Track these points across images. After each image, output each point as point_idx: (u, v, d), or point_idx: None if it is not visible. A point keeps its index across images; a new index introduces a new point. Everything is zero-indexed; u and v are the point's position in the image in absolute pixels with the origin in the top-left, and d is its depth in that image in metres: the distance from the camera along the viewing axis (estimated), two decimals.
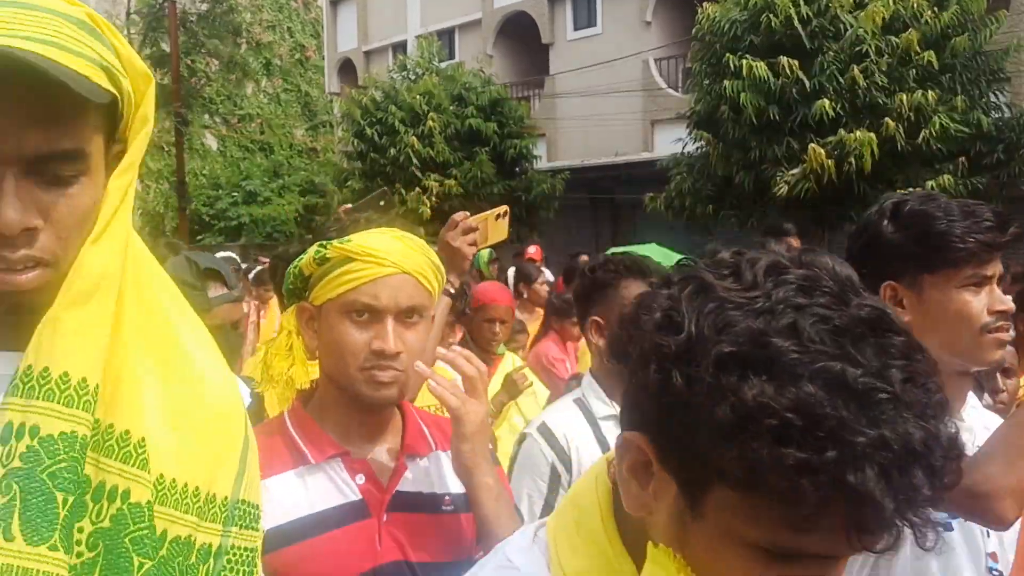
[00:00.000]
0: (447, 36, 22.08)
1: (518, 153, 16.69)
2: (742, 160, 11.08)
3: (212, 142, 33.47)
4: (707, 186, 11.89)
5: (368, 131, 16.35)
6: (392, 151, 15.91)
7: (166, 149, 31.45)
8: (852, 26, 10.29)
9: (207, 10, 27.68)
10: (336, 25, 26.13)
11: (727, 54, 10.71)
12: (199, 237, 29.05)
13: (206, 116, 32.56)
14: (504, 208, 2.41)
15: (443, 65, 18.24)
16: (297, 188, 30.35)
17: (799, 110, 10.39)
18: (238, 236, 29.16)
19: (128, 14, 27.60)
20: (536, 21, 19.67)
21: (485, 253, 7.72)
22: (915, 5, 10.38)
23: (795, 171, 10.42)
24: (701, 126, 11.79)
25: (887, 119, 10.09)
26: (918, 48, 10.19)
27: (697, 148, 12.04)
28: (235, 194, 30.24)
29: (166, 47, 25.44)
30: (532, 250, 14.72)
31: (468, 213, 2.27)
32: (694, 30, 11.86)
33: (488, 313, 4.02)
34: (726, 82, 10.63)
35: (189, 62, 28.91)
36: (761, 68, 10.25)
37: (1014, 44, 11.24)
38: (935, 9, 10.54)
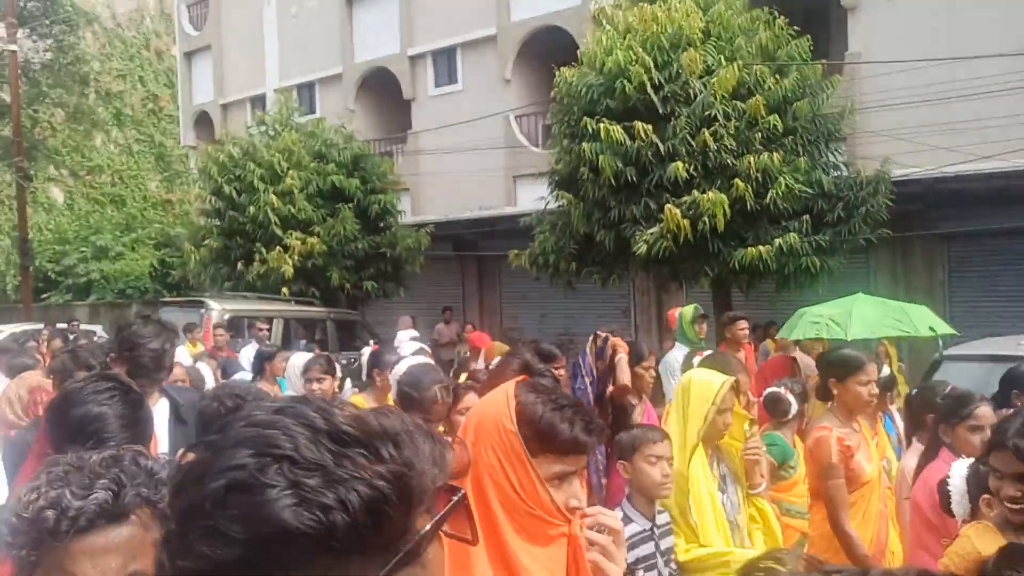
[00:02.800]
0: (307, 90, 21.80)
1: (382, 208, 16.55)
2: (602, 219, 11.31)
3: (58, 195, 31.74)
4: (570, 243, 12.07)
5: (226, 188, 15.85)
6: (251, 209, 15.46)
7: (7, 203, 29.66)
8: (702, 92, 10.73)
9: (51, 59, 26.44)
10: (191, 76, 25.39)
11: (584, 117, 10.97)
12: (44, 296, 27.38)
13: (51, 168, 30.90)
14: None
15: (303, 120, 17.96)
16: (152, 241, 29.12)
17: (655, 171, 10.72)
18: (87, 294, 27.65)
19: None
20: (397, 77, 19.69)
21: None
22: (759, 72, 10.93)
23: (653, 230, 10.71)
24: (562, 186, 12.00)
25: (737, 180, 10.52)
26: (764, 113, 10.72)
27: (559, 206, 12.23)
28: (84, 249, 28.72)
29: (6, 96, 24.12)
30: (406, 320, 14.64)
31: None
32: (552, 92, 12.12)
33: None
34: (585, 144, 10.86)
35: (32, 112, 27.47)
36: (617, 131, 10.53)
37: (848, 107, 11.99)
38: (776, 76, 11.13)
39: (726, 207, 10.35)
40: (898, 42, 12.87)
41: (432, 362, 4.08)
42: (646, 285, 15.61)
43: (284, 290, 15.06)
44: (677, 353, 7.40)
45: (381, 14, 19.96)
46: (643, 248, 10.73)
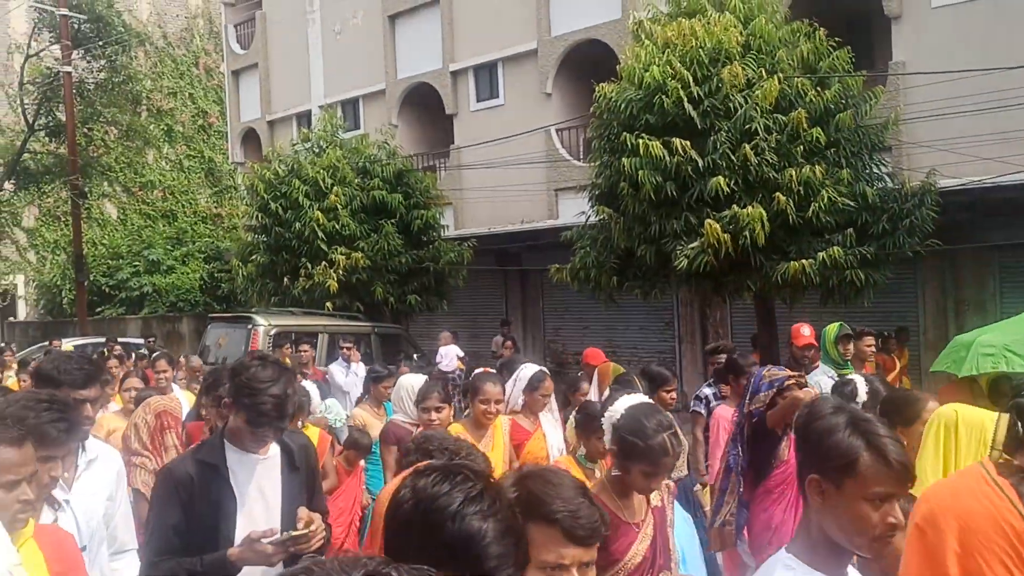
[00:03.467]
0: (351, 106, 22.11)
1: (425, 223, 16.71)
2: (643, 234, 11.29)
3: (112, 211, 32.55)
4: (610, 258, 12.06)
5: (272, 205, 16.14)
6: (297, 225, 15.72)
7: (63, 219, 30.49)
8: (743, 106, 10.68)
9: (104, 79, 27.13)
10: (239, 94, 25.89)
11: (624, 132, 10.98)
12: (98, 309, 28.07)
13: (106, 185, 31.71)
14: None
15: (347, 136, 18.22)
16: (201, 255, 29.73)
17: (695, 186, 10.67)
18: (140, 307, 28.29)
19: (21, 84, 26.79)
20: (439, 92, 19.88)
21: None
22: (800, 85, 10.85)
23: (694, 244, 10.66)
24: (602, 200, 12.00)
25: (778, 193, 10.44)
26: (805, 125, 10.63)
27: (599, 220, 12.24)
28: (136, 264, 29.43)
29: (62, 116, 24.80)
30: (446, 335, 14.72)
31: None
32: (592, 107, 12.14)
33: None
34: (624, 159, 10.86)
35: (87, 131, 28.23)
36: (656, 147, 10.52)
37: (892, 117, 11.83)
38: (818, 88, 11.04)
39: (766, 221, 10.28)
40: (943, 51, 12.67)
41: (651, 402, 3.57)
42: (689, 298, 15.53)
43: (329, 305, 15.27)
44: (822, 376, 6.66)
45: (423, 30, 20.19)
46: (684, 262, 10.69)
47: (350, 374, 11.04)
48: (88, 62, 26.40)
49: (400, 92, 20.83)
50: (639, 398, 3.45)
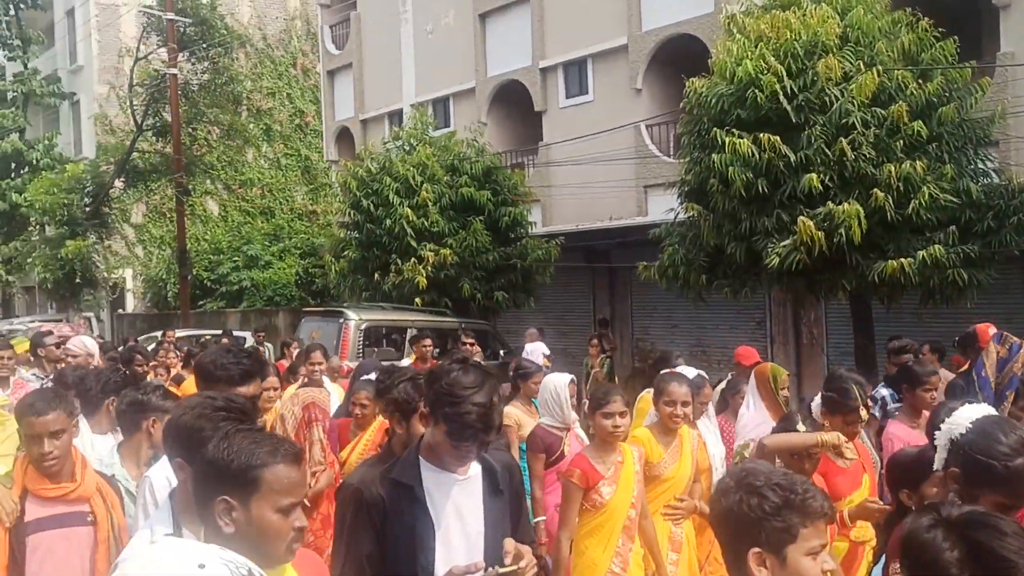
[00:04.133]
0: (442, 104, 22.35)
1: (513, 220, 16.76)
2: (733, 231, 11.08)
3: (214, 208, 33.74)
4: (700, 256, 11.88)
5: (364, 202, 16.45)
6: (388, 222, 15.98)
7: (168, 216, 31.76)
8: (839, 99, 10.36)
9: (208, 80, 28.11)
10: (334, 93, 26.48)
11: (714, 128, 10.79)
12: (200, 303, 29.13)
13: (208, 182, 32.88)
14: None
15: (437, 134, 18.43)
16: (297, 251, 30.51)
17: (788, 183, 10.42)
18: (239, 301, 29.23)
19: (131, 86, 28.00)
20: (528, 89, 19.92)
21: None
22: (900, 77, 10.47)
23: (786, 242, 10.41)
24: (691, 197, 11.83)
25: (876, 190, 10.10)
26: (906, 119, 10.25)
27: (688, 218, 12.06)
28: (236, 259, 30.39)
29: (168, 117, 25.82)
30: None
31: None
32: (682, 103, 11.98)
33: None
34: (714, 155, 10.68)
35: (191, 131, 29.30)
36: (745, 144, 10.30)
37: (999, 110, 11.31)
38: (920, 80, 10.63)
39: (863, 218, 9.95)
40: None
41: (998, 414, 2.87)
42: (781, 297, 15.17)
43: (418, 300, 15.48)
44: None
45: (513, 28, 20.26)
46: (776, 261, 10.44)
47: None
48: (192, 64, 27.40)
49: (490, 90, 20.96)
50: (983, 408, 2.77)
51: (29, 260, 29.76)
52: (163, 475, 3.04)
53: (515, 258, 16.59)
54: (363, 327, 14.03)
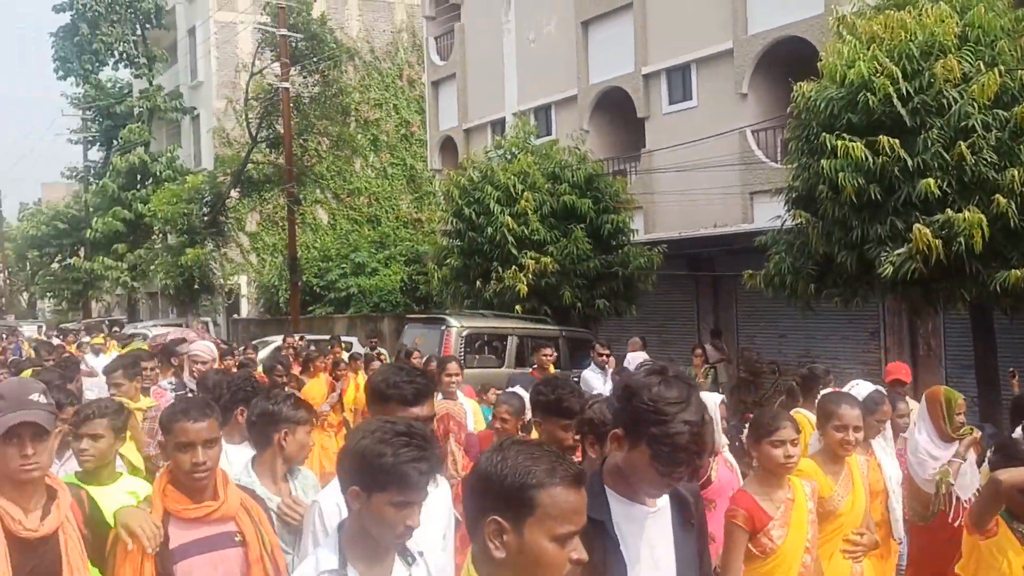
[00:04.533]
0: (544, 112, 22.41)
1: (614, 227, 16.64)
2: (843, 239, 10.68)
3: (323, 216, 34.74)
4: (808, 264, 11.50)
5: (466, 210, 16.63)
6: (489, 230, 16.11)
7: (280, 224, 32.89)
8: (958, 102, 9.88)
9: (318, 92, 29.02)
10: (438, 104, 26.89)
11: (823, 132, 10.45)
12: (310, 308, 30.04)
13: (318, 191, 33.89)
14: None
15: (539, 142, 18.48)
16: (402, 258, 31.12)
17: (902, 188, 9.99)
18: (347, 307, 30.00)
19: (246, 100, 29.15)
20: (631, 96, 19.76)
21: None
22: (1023, 78, 9.92)
23: (901, 251, 9.97)
24: (799, 204, 11.47)
25: (998, 196, 9.58)
26: None
27: (796, 225, 11.71)
28: (344, 266, 31.22)
29: (280, 129, 26.77)
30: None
31: None
32: (789, 107, 11.65)
33: None
34: (823, 161, 10.34)
35: (302, 142, 30.31)
36: (858, 148, 9.93)
37: None
38: None
39: (985, 226, 9.45)
40: None
41: None
42: (896, 307, 14.57)
43: (518, 308, 15.53)
44: None
45: (616, 35, 20.14)
46: (889, 270, 10.02)
47: (608, 380, 10.40)
48: (304, 77, 28.38)
49: (592, 97, 20.90)
50: None
51: (152, 267, 31.33)
52: (333, 500, 2.81)
53: (617, 266, 16.46)
54: (464, 334, 14.17)
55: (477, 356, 14.36)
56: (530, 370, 10.34)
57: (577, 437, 3.77)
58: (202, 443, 3.11)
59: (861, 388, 5.02)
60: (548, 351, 9.86)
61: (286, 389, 7.00)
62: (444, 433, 5.77)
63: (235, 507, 3.19)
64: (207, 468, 3.11)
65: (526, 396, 5.94)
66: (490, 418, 6.53)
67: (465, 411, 6.56)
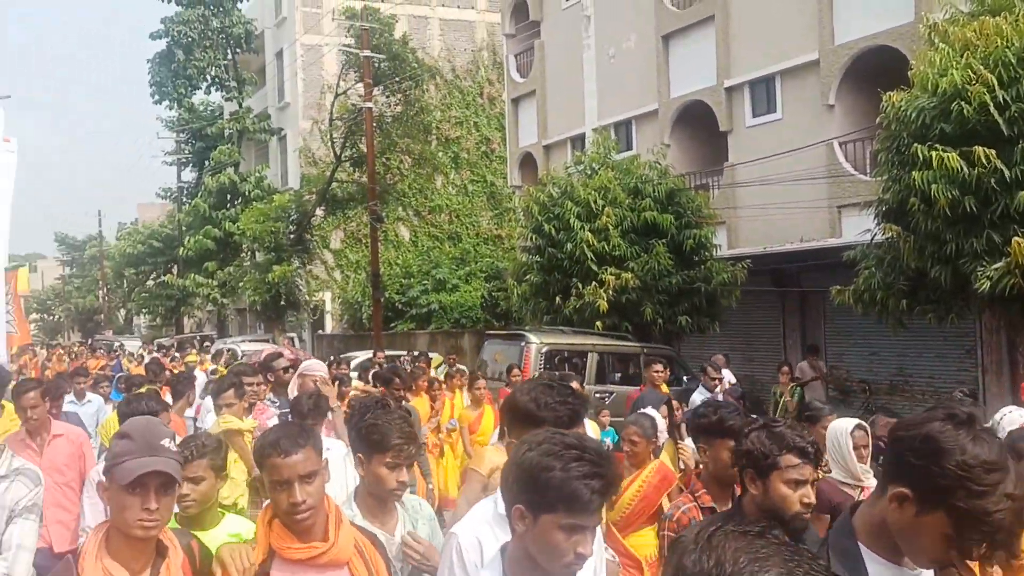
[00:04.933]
0: (624, 127, 22.31)
1: (696, 243, 16.41)
2: (936, 253, 10.32)
3: (405, 233, 35.24)
4: (899, 279, 11.14)
5: (546, 226, 16.62)
6: (568, 246, 16.06)
7: (363, 241, 33.49)
8: None
9: (400, 112, 29.50)
10: (518, 120, 27.05)
11: (915, 143, 10.12)
12: (392, 324, 30.45)
13: (400, 209, 34.41)
14: None
15: (619, 157, 18.38)
16: (483, 274, 31.30)
17: (999, 201, 9.60)
18: (428, 323, 30.31)
19: (331, 120, 29.83)
20: (713, 109, 19.51)
21: None
22: None
23: (998, 265, 9.58)
24: (889, 217, 11.13)
25: None
26: None
27: (886, 239, 11.36)
28: (425, 282, 31.57)
29: (363, 148, 27.30)
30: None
31: None
32: (878, 118, 11.32)
33: None
34: (915, 173, 10.01)
35: (384, 160, 30.85)
36: (953, 159, 9.58)
37: None
38: None
39: None
40: None
41: None
42: (994, 324, 13.96)
43: (598, 324, 15.42)
44: None
45: (697, 48, 19.94)
46: (986, 285, 9.63)
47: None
48: (387, 97, 28.88)
49: (673, 111, 20.71)
50: None
51: (241, 284, 32.22)
52: (473, 534, 2.62)
53: (699, 281, 16.22)
54: (544, 350, 14.13)
55: (557, 372, 14.28)
56: (638, 388, 9.98)
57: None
58: (299, 479, 2.67)
59: (1014, 416, 4.51)
60: (659, 368, 9.36)
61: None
62: None
63: (348, 551, 2.76)
64: (307, 507, 2.67)
65: (658, 416, 5.67)
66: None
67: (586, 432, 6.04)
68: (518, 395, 2.91)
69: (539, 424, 2.69)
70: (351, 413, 3.38)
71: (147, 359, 18.12)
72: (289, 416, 5.96)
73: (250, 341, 26.61)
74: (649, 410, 5.74)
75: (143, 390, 6.84)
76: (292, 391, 6.65)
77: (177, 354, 20.53)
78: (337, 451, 4.94)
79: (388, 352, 21.59)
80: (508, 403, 3.11)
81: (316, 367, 7.04)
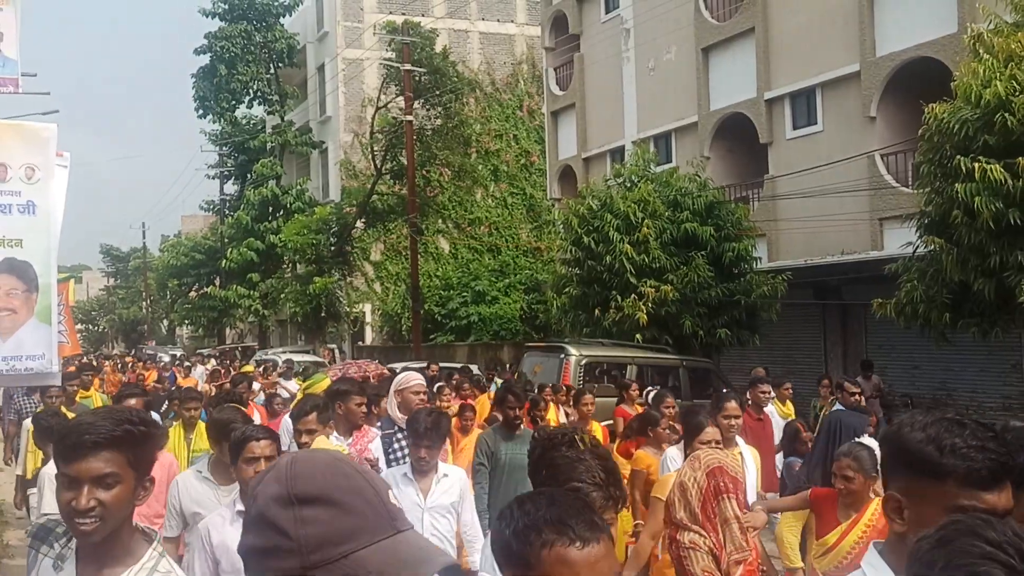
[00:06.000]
0: (664, 140, 22.32)
1: (736, 255, 16.37)
2: (980, 266, 10.22)
3: (445, 245, 35.46)
4: (942, 292, 11.04)
5: (585, 239, 16.68)
6: (608, 258, 16.10)
7: (403, 254, 33.78)
8: None
9: (440, 125, 29.76)
10: (557, 133, 27.18)
11: (958, 155, 10.05)
12: (431, 336, 30.62)
13: (439, 221, 34.64)
14: None
15: (659, 169, 18.40)
16: (522, 287, 31.36)
17: None
18: (467, 335, 30.43)
19: (372, 133, 30.19)
20: (753, 122, 19.46)
21: None
22: None
23: None
24: (932, 230, 11.05)
25: None
26: None
27: (928, 252, 11.26)
28: (465, 294, 31.69)
29: (404, 160, 27.59)
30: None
31: None
32: (921, 130, 11.25)
33: None
34: (958, 185, 9.94)
35: (424, 173, 31.12)
36: (996, 171, 9.50)
37: None
38: None
39: None
40: None
41: None
42: None
43: (638, 336, 15.43)
44: None
45: (737, 60, 19.93)
46: None
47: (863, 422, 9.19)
48: (427, 110, 29.15)
49: (713, 124, 20.69)
50: None
51: (282, 295, 32.65)
52: None
53: (739, 294, 16.16)
54: (583, 363, 14.18)
55: (596, 385, 14.31)
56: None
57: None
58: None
59: None
60: (764, 388, 8.40)
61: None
62: (716, 492, 4.25)
63: None
64: None
65: (875, 446, 4.47)
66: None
67: (741, 462, 4.79)
68: (905, 430, 1.92)
69: (940, 477, 1.80)
70: (532, 446, 2.73)
71: (210, 371, 18.22)
72: (396, 436, 5.44)
73: (291, 352, 26.94)
74: (867, 439, 4.79)
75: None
76: (392, 410, 5.86)
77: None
78: (455, 475, 4.65)
79: (442, 364, 21.68)
80: (889, 439, 2.04)
81: (413, 379, 6.01)
